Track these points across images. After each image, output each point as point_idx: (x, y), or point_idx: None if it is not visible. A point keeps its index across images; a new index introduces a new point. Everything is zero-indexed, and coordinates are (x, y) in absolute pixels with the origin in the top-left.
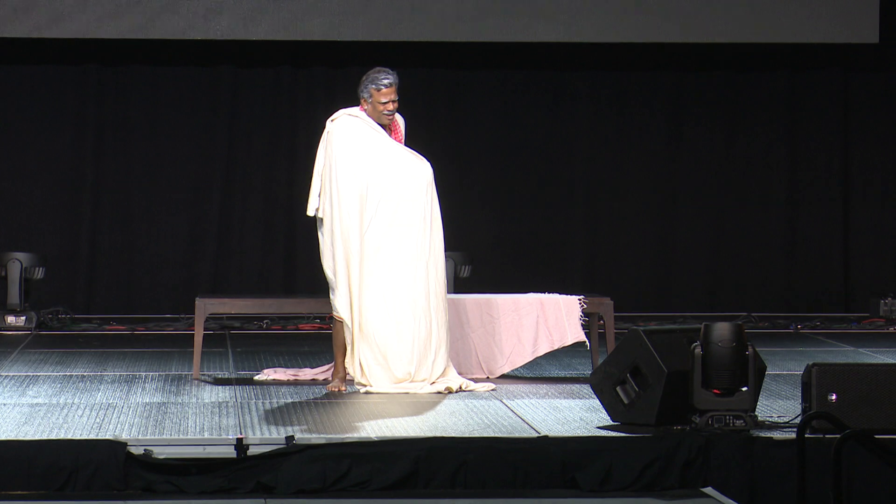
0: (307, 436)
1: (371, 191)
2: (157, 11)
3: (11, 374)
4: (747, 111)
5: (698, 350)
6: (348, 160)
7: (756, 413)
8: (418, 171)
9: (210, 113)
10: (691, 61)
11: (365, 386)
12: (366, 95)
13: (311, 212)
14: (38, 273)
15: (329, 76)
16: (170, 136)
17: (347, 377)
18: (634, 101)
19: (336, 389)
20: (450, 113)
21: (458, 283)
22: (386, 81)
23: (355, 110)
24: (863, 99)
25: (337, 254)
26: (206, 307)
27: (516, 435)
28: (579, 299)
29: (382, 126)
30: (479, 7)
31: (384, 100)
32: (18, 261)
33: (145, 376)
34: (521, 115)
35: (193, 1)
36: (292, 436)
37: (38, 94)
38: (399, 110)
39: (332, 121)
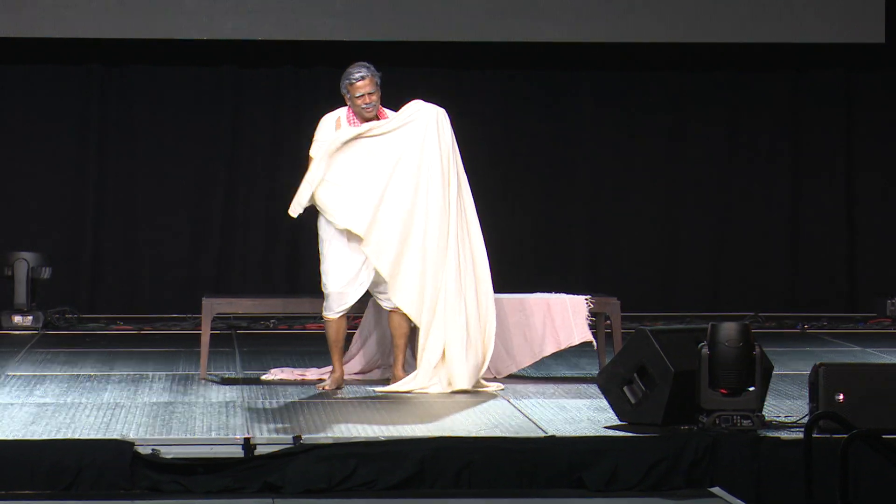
0: (314, 435)
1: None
2: (160, 11)
3: (18, 373)
4: (750, 111)
5: (705, 350)
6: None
7: (763, 413)
8: (382, 160)
9: (213, 113)
10: (694, 61)
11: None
12: (344, 92)
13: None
14: (45, 273)
15: (332, 76)
16: (173, 136)
17: (346, 376)
18: (637, 100)
19: (322, 388)
20: (451, 113)
21: None
22: (358, 75)
23: (343, 110)
24: (867, 98)
25: None
26: (213, 307)
27: (523, 435)
28: (586, 299)
29: (368, 120)
30: (483, 7)
31: (358, 93)
32: (25, 260)
33: (152, 376)
34: (523, 114)
35: (196, 1)
36: (299, 435)
37: (41, 94)
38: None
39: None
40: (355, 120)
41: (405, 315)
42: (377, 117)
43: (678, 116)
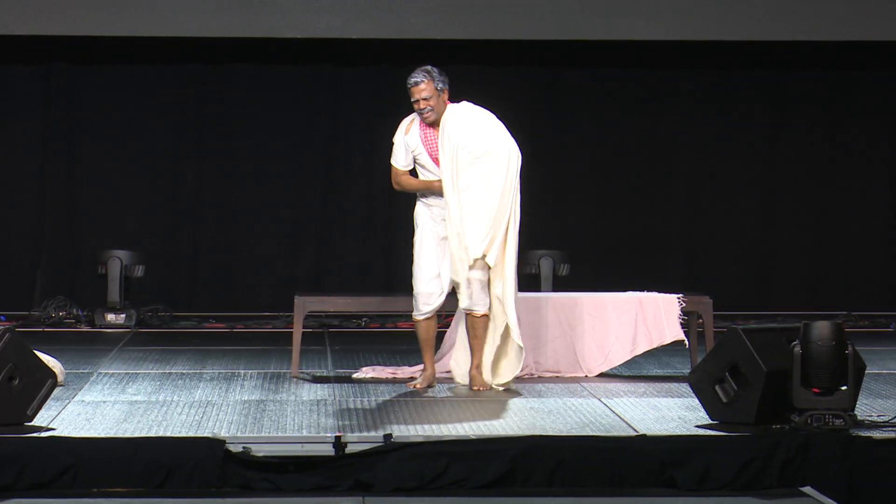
0: (405, 434)
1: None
2: (257, 10)
3: (111, 371)
4: (848, 109)
5: (798, 349)
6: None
7: (856, 412)
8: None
9: (310, 111)
10: (792, 60)
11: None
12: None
13: None
14: (139, 271)
15: None
16: (270, 135)
17: (437, 374)
18: (734, 99)
19: (413, 387)
20: (548, 111)
21: (557, 282)
22: (411, 81)
23: (416, 114)
24: None
25: None
26: (305, 305)
27: (614, 433)
28: (678, 298)
29: (431, 124)
30: (581, 5)
31: (413, 98)
32: (118, 259)
33: (244, 374)
34: (620, 113)
35: (292, 0)
36: (390, 434)
37: (140, 93)
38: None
39: None
40: (423, 125)
41: (478, 317)
42: (439, 122)
43: (775, 114)
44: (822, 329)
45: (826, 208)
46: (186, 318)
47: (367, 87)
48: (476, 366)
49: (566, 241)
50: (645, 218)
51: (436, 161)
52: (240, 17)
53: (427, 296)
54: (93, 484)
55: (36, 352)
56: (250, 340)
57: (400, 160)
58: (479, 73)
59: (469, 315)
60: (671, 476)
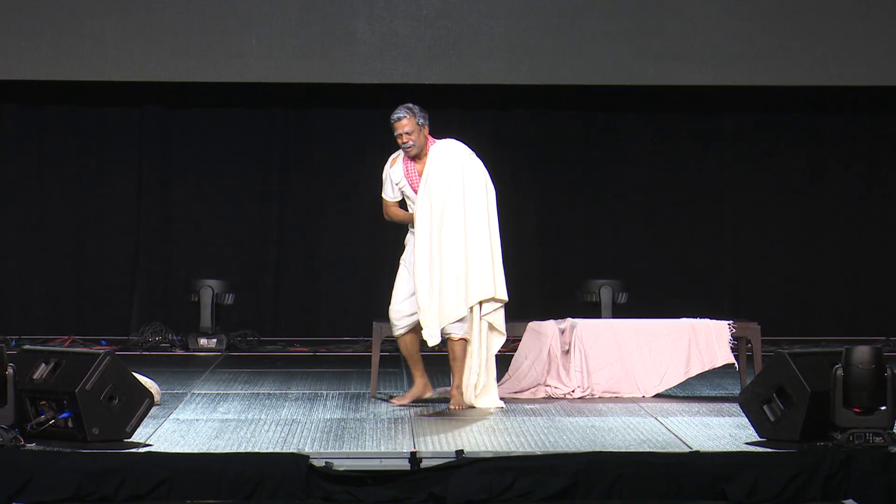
0: (475, 449)
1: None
2: (336, 58)
3: (204, 391)
4: (887, 149)
5: (840, 371)
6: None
7: (894, 430)
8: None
9: (385, 150)
10: (830, 103)
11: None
12: None
13: None
14: (229, 299)
15: (495, 117)
16: (349, 173)
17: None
18: (777, 139)
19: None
20: (607, 153)
21: (616, 309)
22: (394, 117)
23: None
24: None
25: None
26: (382, 331)
27: (669, 450)
28: (728, 324)
29: (413, 158)
30: (634, 53)
31: (396, 132)
32: (210, 287)
33: (326, 394)
34: (673, 154)
35: (370, 48)
36: (462, 450)
37: (227, 134)
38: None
39: None
40: (406, 159)
41: (455, 340)
42: (421, 156)
43: (816, 155)
44: (862, 353)
45: (864, 241)
46: (272, 342)
47: (437, 129)
48: (456, 386)
49: (624, 272)
50: (697, 250)
51: (416, 192)
52: (320, 65)
53: (397, 313)
54: (186, 495)
55: (134, 373)
56: (332, 363)
57: (387, 192)
58: (542, 116)
59: (447, 339)
60: (722, 489)
